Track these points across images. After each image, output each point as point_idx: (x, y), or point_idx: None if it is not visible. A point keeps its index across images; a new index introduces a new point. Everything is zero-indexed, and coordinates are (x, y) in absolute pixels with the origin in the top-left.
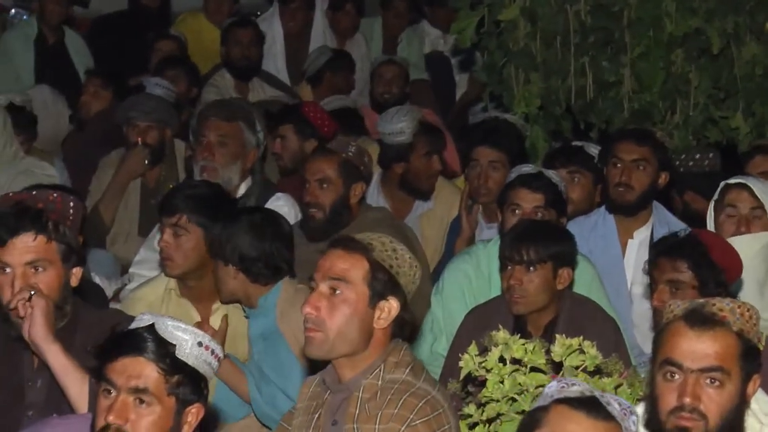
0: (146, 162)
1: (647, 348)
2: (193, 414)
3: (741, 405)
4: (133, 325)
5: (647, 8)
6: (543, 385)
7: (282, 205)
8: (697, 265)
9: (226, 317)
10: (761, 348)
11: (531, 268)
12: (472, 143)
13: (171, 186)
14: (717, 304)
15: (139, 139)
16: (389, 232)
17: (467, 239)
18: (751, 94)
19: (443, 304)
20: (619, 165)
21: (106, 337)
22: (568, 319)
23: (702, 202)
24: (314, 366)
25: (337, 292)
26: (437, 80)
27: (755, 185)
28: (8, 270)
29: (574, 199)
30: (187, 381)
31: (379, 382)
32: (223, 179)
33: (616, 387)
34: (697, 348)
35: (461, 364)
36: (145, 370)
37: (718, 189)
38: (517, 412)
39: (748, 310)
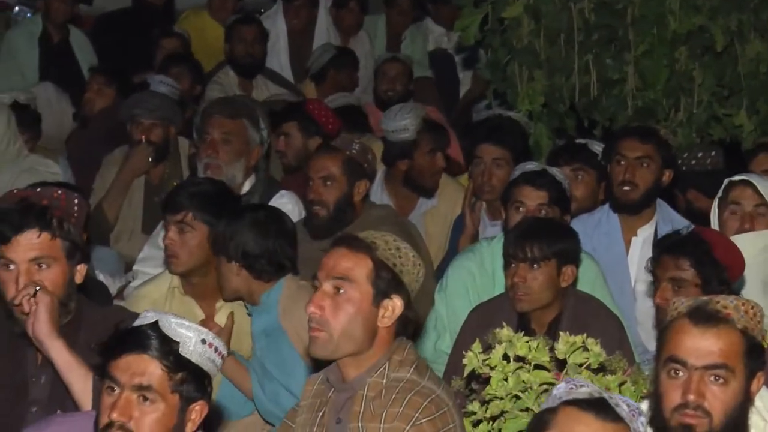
0: (150, 159)
1: (651, 345)
2: (197, 411)
3: (745, 402)
4: (137, 323)
5: (651, 6)
6: (547, 383)
7: (286, 202)
8: (700, 263)
9: (231, 314)
10: (765, 345)
11: (535, 266)
12: (476, 140)
13: (175, 183)
14: (721, 302)
15: (143, 136)
16: (393, 230)
17: (471, 237)
18: (754, 92)
19: (447, 302)
20: (623, 162)
21: (110, 335)
22: (572, 316)
23: (705, 200)
24: (318, 363)
25: (341, 291)
26: (441, 78)
27: (759, 182)
28: (12, 267)
29: (578, 196)
30: (190, 378)
31: (384, 381)
32: (227, 176)
33: (620, 384)
34: (702, 345)
35: (465, 361)
36: (148, 368)
37: (722, 186)
38: (521, 410)
39: (752, 308)
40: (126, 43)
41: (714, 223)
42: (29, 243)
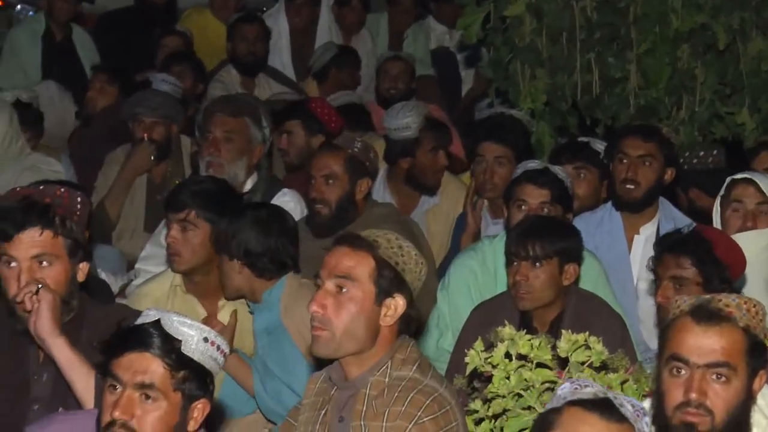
0: (152, 158)
1: (653, 344)
2: (199, 409)
3: (747, 401)
4: (139, 321)
5: (653, 4)
6: (549, 381)
7: (288, 200)
8: (701, 262)
9: (235, 312)
10: None
11: (537, 264)
12: (478, 139)
13: (177, 182)
14: (723, 300)
15: (145, 135)
16: (395, 228)
17: (473, 235)
18: (757, 90)
19: (449, 300)
20: (625, 161)
21: (112, 333)
22: (574, 314)
23: (706, 199)
24: (320, 361)
25: (344, 290)
26: (443, 76)
27: (761, 180)
28: (14, 264)
29: (580, 194)
30: (192, 376)
31: (386, 379)
32: (229, 175)
33: (622, 383)
34: (704, 343)
35: (467, 359)
36: (151, 366)
37: (725, 184)
38: (523, 408)
39: (755, 306)
40: (128, 42)
41: (716, 222)
42: (31, 240)
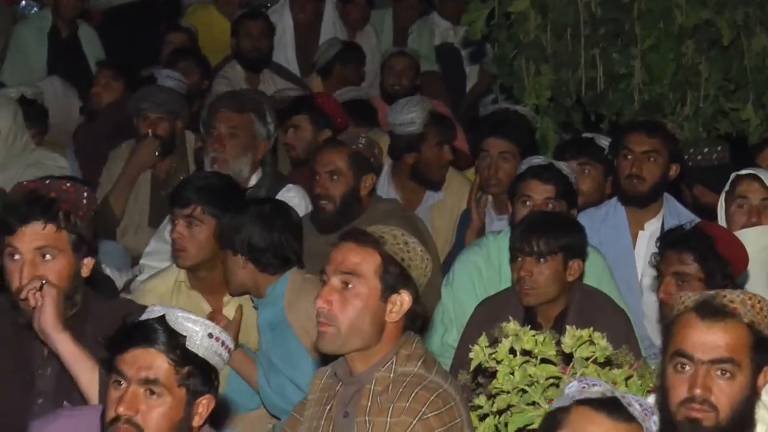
0: (157, 153)
1: (657, 339)
2: (204, 405)
3: (752, 396)
4: (144, 317)
5: (657, 0)
6: (553, 377)
7: (293, 196)
8: (703, 258)
9: (240, 308)
10: None
11: (541, 260)
12: (483, 134)
13: (181, 178)
14: (728, 296)
15: (150, 130)
16: (400, 224)
17: (477, 230)
18: (761, 86)
19: (454, 296)
20: (630, 156)
21: (117, 328)
22: (579, 310)
23: (711, 195)
24: (325, 357)
25: (349, 286)
26: (448, 72)
27: (766, 176)
28: (17, 257)
29: (585, 190)
30: (197, 372)
31: (391, 375)
32: (233, 170)
33: (627, 378)
34: (708, 339)
35: (471, 355)
36: (155, 361)
37: (729, 180)
38: (528, 404)
39: (759, 302)
40: (133, 38)
41: (721, 218)
42: (34, 233)
